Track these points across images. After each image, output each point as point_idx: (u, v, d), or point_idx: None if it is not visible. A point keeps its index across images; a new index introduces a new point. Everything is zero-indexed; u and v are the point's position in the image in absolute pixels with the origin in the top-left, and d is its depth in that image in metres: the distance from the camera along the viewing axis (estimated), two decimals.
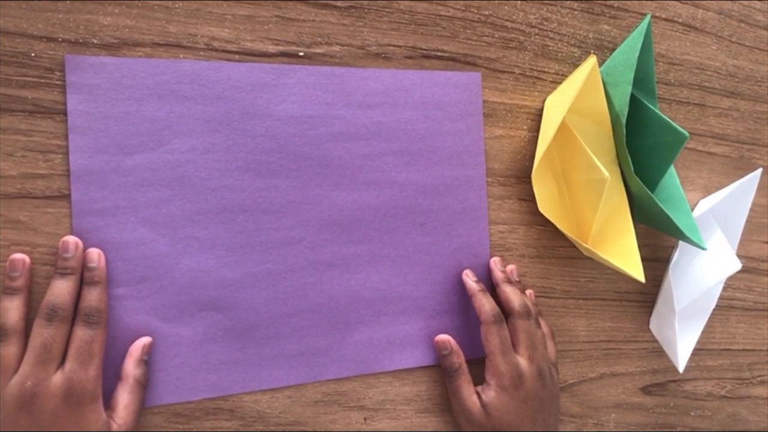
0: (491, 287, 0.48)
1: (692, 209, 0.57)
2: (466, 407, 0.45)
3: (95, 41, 0.39)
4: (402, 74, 0.47)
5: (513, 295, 0.46)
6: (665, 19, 0.56)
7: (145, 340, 0.40)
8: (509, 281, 0.47)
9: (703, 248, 0.49)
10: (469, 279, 0.47)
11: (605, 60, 0.53)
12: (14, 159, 0.38)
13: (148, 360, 0.40)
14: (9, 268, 0.37)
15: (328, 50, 0.45)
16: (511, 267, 0.49)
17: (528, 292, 0.50)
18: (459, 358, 0.46)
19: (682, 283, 0.53)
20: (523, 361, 0.45)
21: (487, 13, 0.49)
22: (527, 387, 0.44)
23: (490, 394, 0.44)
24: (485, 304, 0.46)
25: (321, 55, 0.45)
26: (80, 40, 0.39)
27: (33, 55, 0.38)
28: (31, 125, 0.38)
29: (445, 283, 0.48)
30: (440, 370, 0.48)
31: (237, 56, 0.43)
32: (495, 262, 0.49)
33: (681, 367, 0.53)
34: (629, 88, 0.46)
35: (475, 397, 0.45)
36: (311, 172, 0.44)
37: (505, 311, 0.47)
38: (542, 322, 0.50)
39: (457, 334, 0.48)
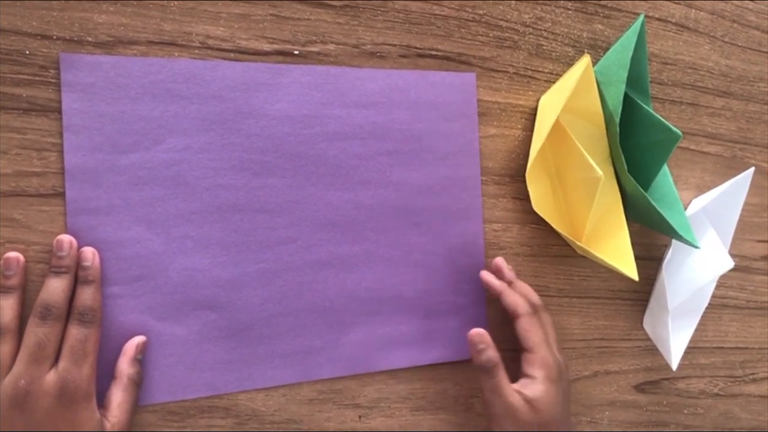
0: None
1: (685, 208, 0.57)
2: (510, 404, 0.42)
3: (90, 39, 0.39)
4: (397, 74, 0.47)
5: (530, 290, 0.46)
6: (658, 19, 0.57)
7: (139, 339, 0.40)
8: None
9: (696, 247, 0.49)
10: (492, 278, 0.47)
11: (599, 59, 0.53)
12: (9, 157, 0.38)
13: (142, 359, 0.40)
14: (3, 266, 0.37)
15: (323, 49, 0.45)
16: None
17: None
18: (496, 353, 0.44)
19: (676, 282, 0.54)
20: (557, 353, 0.45)
21: (481, 12, 0.50)
22: (565, 378, 0.44)
23: (537, 388, 0.43)
24: (518, 298, 0.45)
25: (316, 53, 0.45)
26: (75, 38, 0.39)
27: (27, 52, 0.38)
28: (26, 123, 0.38)
29: (439, 282, 0.48)
30: (475, 367, 0.45)
31: (232, 54, 0.43)
32: (503, 261, 0.48)
33: (674, 365, 0.53)
34: (623, 88, 0.46)
35: (516, 394, 0.43)
36: (306, 172, 0.44)
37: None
38: None
39: (452, 333, 0.48)
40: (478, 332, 0.44)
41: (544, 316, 0.46)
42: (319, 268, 0.45)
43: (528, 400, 0.42)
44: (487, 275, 0.47)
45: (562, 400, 0.44)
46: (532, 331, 0.44)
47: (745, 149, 0.61)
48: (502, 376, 0.43)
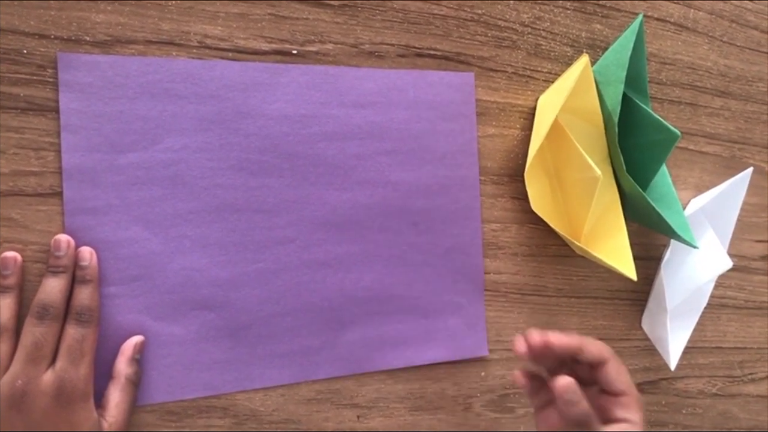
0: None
1: (684, 208, 0.57)
2: None
3: (88, 38, 0.39)
4: (395, 74, 0.47)
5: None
6: (657, 19, 0.57)
7: (137, 339, 0.40)
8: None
9: (694, 247, 0.49)
10: (562, 336, 0.41)
11: (597, 59, 0.53)
12: (6, 156, 0.38)
13: (140, 359, 0.40)
14: (1, 265, 0.37)
15: (321, 48, 0.45)
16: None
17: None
18: (587, 404, 0.38)
19: (674, 282, 0.54)
20: None
21: (480, 12, 0.50)
22: None
23: None
24: (599, 344, 0.41)
25: (314, 53, 0.45)
26: (73, 38, 0.39)
27: (25, 52, 0.38)
28: (24, 122, 0.38)
29: (437, 282, 0.48)
30: (565, 419, 0.39)
31: (230, 54, 0.42)
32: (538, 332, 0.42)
33: (673, 365, 0.53)
34: (621, 87, 0.46)
35: None
36: (304, 172, 0.44)
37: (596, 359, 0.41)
38: None
39: (450, 333, 0.48)
40: (568, 383, 0.38)
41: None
42: (317, 267, 0.45)
43: None
44: (556, 336, 0.41)
45: None
46: (622, 372, 0.41)
47: (743, 149, 0.61)
48: (597, 426, 0.38)
